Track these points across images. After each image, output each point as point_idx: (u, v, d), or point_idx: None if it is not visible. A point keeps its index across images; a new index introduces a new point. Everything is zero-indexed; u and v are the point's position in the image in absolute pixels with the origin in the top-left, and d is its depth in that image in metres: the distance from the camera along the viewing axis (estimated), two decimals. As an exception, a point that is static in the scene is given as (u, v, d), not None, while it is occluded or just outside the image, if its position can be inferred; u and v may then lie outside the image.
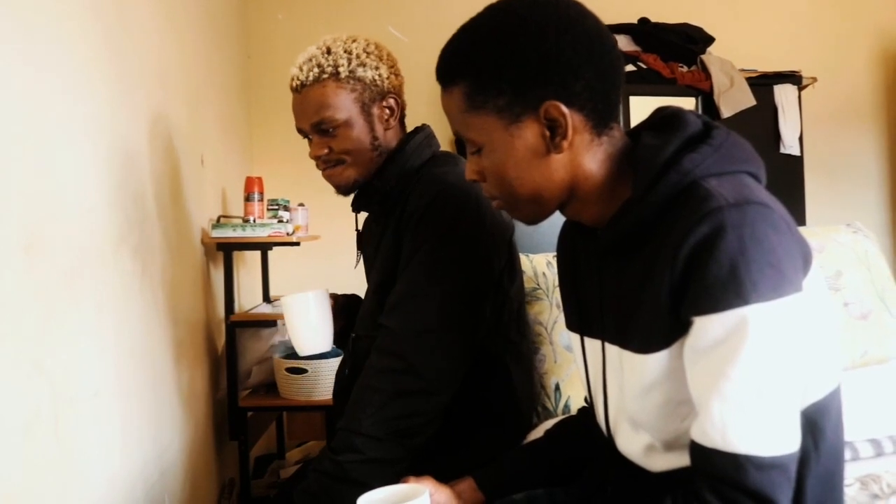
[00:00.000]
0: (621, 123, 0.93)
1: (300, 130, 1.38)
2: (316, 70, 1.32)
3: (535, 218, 0.94)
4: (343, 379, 1.46)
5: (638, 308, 0.85)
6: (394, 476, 1.10)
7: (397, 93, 1.38)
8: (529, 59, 0.85)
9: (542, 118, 0.86)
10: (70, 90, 1.30)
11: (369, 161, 1.36)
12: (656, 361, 0.84)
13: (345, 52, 1.33)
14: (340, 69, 1.31)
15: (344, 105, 1.32)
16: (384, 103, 1.36)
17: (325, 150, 1.35)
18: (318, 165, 1.39)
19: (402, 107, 1.40)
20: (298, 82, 1.34)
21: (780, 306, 0.75)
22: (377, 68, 1.34)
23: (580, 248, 1.01)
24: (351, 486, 1.18)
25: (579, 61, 0.85)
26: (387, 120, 1.37)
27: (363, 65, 1.33)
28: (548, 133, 0.86)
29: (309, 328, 1.40)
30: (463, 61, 0.89)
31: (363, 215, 1.52)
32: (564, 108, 0.85)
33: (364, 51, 1.34)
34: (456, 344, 1.26)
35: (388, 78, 1.36)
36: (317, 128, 1.34)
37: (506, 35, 0.86)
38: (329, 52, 1.33)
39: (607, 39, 0.88)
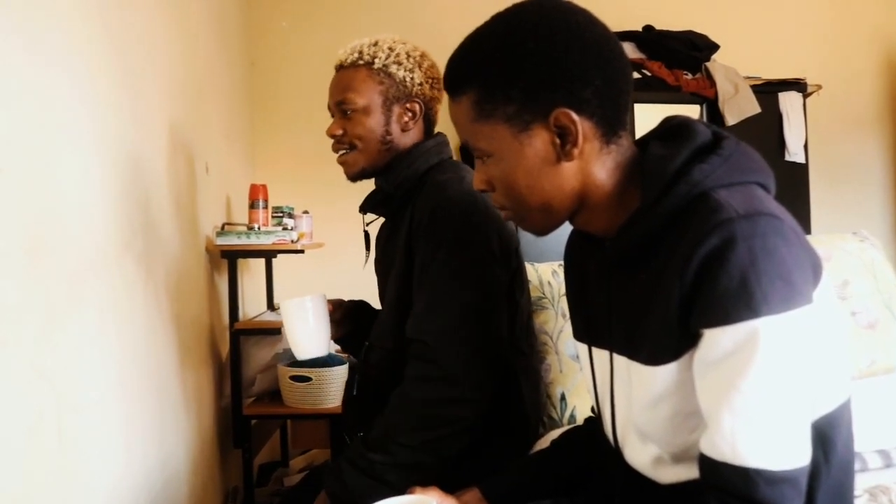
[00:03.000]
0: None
1: (329, 108, 1.45)
2: (355, 55, 1.40)
3: (544, 228, 0.94)
4: (353, 386, 1.46)
5: (647, 319, 0.84)
6: (423, 482, 1.10)
7: (426, 101, 1.42)
8: (538, 66, 0.84)
9: (551, 126, 0.85)
10: (75, 96, 1.30)
11: (377, 152, 1.40)
12: (665, 373, 0.83)
13: (389, 48, 1.40)
14: (376, 60, 1.39)
15: (367, 93, 1.39)
16: (408, 105, 1.41)
17: (340, 132, 1.41)
18: (332, 147, 1.45)
19: (426, 115, 1.44)
20: (339, 62, 1.43)
21: (790, 319, 0.74)
22: (411, 71, 1.40)
23: (588, 258, 1.01)
24: (379, 484, 1.23)
25: (588, 68, 0.84)
26: (406, 122, 1.41)
27: (399, 63, 1.39)
28: (558, 141, 0.86)
29: (307, 332, 1.41)
30: (471, 70, 0.89)
31: (370, 217, 1.55)
32: (574, 115, 0.84)
33: (406, 53, 1.41)
34: (485, 347, 1.28)
35: (419, 84, 1.41)
36: (339, 107, 1.41)
37: (514, 43, 0.85)
38: (376, 44, 1.41)
39: (615, 46, 0.88)
